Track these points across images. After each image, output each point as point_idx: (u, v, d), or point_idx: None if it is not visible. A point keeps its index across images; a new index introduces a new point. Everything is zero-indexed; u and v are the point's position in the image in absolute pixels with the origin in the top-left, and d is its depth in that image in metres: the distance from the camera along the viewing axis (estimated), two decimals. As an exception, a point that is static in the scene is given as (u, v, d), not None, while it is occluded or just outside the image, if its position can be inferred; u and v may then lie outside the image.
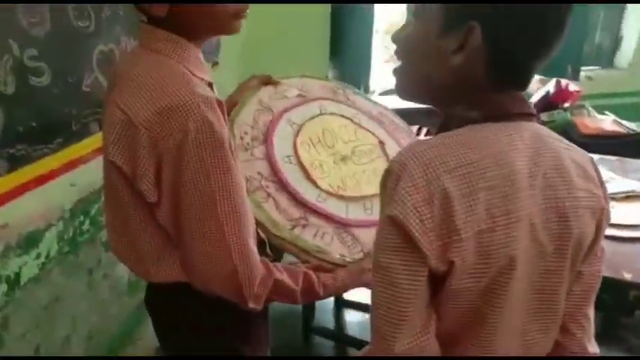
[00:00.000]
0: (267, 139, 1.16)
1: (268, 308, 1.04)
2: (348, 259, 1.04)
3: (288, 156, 1.16)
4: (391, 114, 1.44)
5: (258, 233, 1.01)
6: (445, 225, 0.60)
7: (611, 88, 4.71)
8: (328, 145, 1.23)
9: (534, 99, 4.23)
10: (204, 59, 0.94)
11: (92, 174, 1.42)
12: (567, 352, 0.75)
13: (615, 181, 1.97)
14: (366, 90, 3.47)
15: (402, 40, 0.73)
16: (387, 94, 3.86)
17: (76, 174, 1.45)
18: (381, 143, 1.29)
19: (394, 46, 0.74)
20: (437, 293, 0.64)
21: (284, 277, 0.91)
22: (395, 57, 0.74)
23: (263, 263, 0.90)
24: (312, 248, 1.03)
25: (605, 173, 2.12)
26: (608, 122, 3.42)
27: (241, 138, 1.15)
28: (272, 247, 1.08)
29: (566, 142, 0.71)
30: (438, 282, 0.63)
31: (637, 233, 1.51)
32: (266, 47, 2.98)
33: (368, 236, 1.09)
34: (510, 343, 0.69)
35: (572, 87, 4.14)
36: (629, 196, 1.83)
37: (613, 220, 1.38)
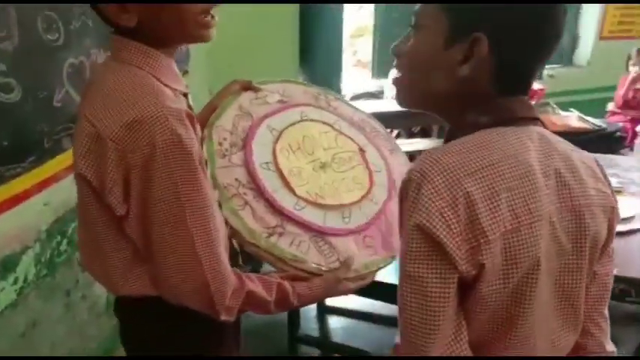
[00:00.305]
0: (245, 146, 1.15)
1: (241, 318, 1.03)
2: (324, 268, 1.04)
3: (266, 162, 1.15)
4: (373, 120, 1.45)
5: (231, 244, 1.00)
6: (471, 228, 0.61)
7: (571, 86, 4.88)
8: (308, 152, 1.23)
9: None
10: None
11: (67, 192, 1.38)
12: (587, 352, 0.77)
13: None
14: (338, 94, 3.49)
15: (404, 52, 0.74)
16: (358, 99, 3.90)
17: (51, 192, 1.41)
18: (362, 151, 1.30)
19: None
20: (464, 300, 0.65)
21: (257, 289, 0.91)
22: (396, 68, 0.76)
23: (235, 274, 0.89)
24: (288, 257, 1.02)
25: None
26: (573, 119, 3.53)
27: (220, 144, 1.13)
28: (245, 258, 1.07)
29: (570, 144, 0.73)
30: (466, 288, 0.64)
31: (620, 227, 1.56)
32: (235, 54, 2.96)
33: (345, 245, 1.10)
34: (539, 344, 0.70)
35: (536, 85, 4.27)
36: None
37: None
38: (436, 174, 0.61)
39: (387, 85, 3.90)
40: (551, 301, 0.69)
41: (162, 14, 0.83)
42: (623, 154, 3.19)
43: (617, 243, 1.33)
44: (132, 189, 0.81)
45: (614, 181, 1.94)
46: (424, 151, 0.67)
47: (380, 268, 1.14)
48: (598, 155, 2.48)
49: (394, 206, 1.26)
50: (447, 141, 0.70)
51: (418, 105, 0.76)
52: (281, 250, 1.02)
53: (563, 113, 3.91)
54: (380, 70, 4.40)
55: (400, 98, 0.77)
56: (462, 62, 0.67)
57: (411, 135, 3.86)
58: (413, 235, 0.62)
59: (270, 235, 1.04)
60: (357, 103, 3.81)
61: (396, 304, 0.67)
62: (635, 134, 3.52)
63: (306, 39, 3.29)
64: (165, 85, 0.86)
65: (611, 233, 0.73)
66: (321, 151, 1.25)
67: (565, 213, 0.66)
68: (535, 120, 0.71)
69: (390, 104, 3.60)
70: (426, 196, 0.61)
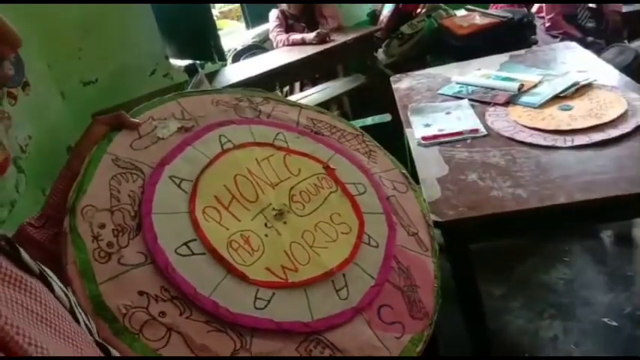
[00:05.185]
0: (142, 224, 0.64)
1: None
2: None
3: (185, 243, 0.65)
4: (328, 115, 0.95)
5: None
6: None
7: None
8: (249, 200, 0.74)
9: (385, 13, 3.94)
10: None
11: None
12: None
13: (550, 80, 1.69)
14: (221, 56, 2.90)
15: None
16: (241, 56, 3.36)
17: None
18: (329, 168, 0.83)
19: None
20: None
21: None
22: None
23: None
24: None
25: (531, 72, 1.82)
26: (476, 17, 3.20)
27: (96, 238, 0.61)
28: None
29: None
30: None
31: (624, 129, 1.28)
32: (81, 38, 2.30)
33: (355, 337, 0.66)
34: None
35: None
36: (578, 90, 1.57)
37: (596, 122, 1.35)
38: None
39: (271, 32, 3.39)
40: None
41: None
42: (543, 43, 2.96)
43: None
44: None
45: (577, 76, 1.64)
46: None
47: (421, 351, 0.71)
48: (534, 50, 2.20)
49: (403, 238, 0.80)
50: None
51: None
52: None
53: (459, 13, 3.59)
54: (253, 19, 3.86)
55: None
56: None
57: (315, 82, 3.38)
58: None
59: None
60: (246, 63, 3.29)
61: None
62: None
63: (163, 4, 2.65)
64: None
65: None
66: (270, 192, 0.76)
67: None
68: None
69: (282, 55, 3.07)
70: None
